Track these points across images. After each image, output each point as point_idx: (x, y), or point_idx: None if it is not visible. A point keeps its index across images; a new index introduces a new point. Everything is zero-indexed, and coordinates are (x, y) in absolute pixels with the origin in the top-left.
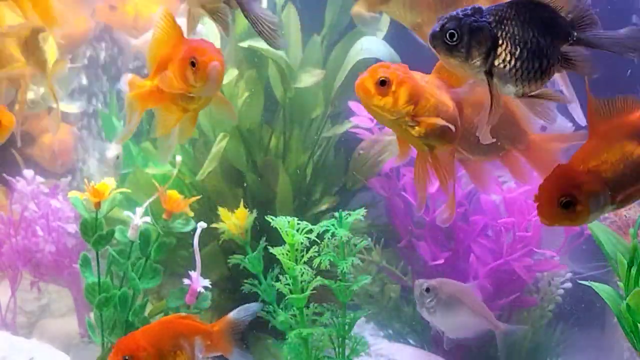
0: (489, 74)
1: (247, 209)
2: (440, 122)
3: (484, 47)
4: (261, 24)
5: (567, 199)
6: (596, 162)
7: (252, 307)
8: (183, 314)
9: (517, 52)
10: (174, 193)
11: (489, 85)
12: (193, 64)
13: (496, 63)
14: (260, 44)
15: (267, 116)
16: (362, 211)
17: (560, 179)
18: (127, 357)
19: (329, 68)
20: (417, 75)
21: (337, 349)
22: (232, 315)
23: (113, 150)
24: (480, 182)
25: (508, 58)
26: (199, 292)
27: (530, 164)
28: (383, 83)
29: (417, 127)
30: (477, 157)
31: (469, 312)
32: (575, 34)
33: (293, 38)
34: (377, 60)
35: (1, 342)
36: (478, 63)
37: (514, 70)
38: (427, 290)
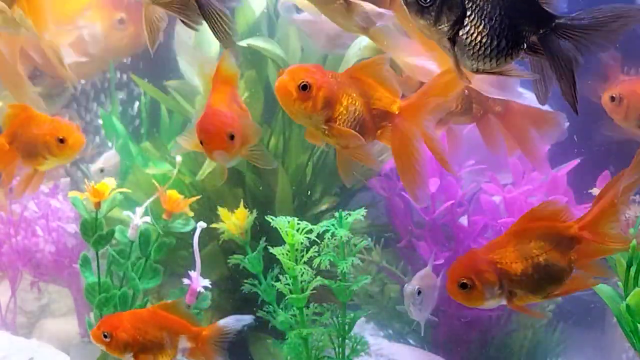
0: (452, 42)
1: (247, 209)
2: (350, 133)
3: (453, 15)
4: (215, 20)
5: (463, 280)
6: (501, 256)
7: (245, 319)
8: (169, 301)
9: (481, 27)
10: (173, 193)
11: (453, 52)
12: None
13: (460, 33)
14: (259, 43)
15: (267, 116)
16: (362, 211)
17: (464, 262)
18: (106, 333)
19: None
20: (331, 78)
21: (337, 349)
22: (221, 322)
23: (99, 163)
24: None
25: (471, 31)
26: (199, 292)
27: (504, 130)
28: (305, 88)
29: (330, 133)
30: (455, 120)
31: (434, 290)
32: (547, 31)
33: (292, 38)
34: None
35: (1, 342)
36: (444, 29)
37: (473, 44)
38: (419, 292)
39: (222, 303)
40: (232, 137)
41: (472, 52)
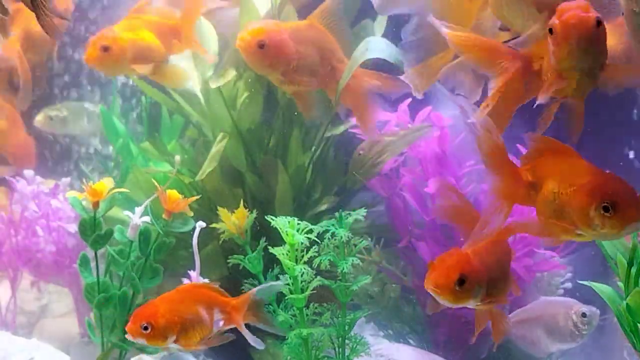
0: None
1: (247, 209)
2: None
3: None
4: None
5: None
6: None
7: (275, 285)
8: (200, 282)
9: None
10: (173, 193)
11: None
12: None
13: None
14: None
15: (267, 116)
16: (363, 211)
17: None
18: (145, 325)
19: None
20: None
21: (337, 349)
22: (253, 292)
23: None
24: (306, 110)
25: None
26: None
27: (347, 92)
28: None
29: None
30: (302, 88)
31: None
32: None
33: None
34: (383, 60)
35: (1, 342)
36: None
37: None
38: (584, 315)
39: None
40: None
41: None
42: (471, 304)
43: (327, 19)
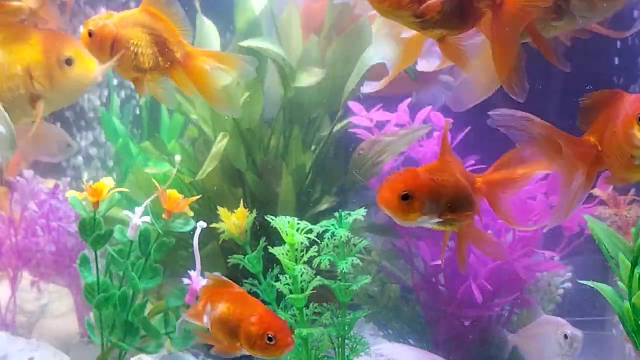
0: None
1: (247, 209)
2: None
3: None
4: None
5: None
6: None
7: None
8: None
9: None
10: (174, 193)
11: None
12: None
13: None
14: (259, 43)
15: (267, 116)
16: (362, 211)
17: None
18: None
19: (327, 68)
20: None
21: (337, 349)
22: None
23: None
24: (160, 97)
25: None
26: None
27: (190, 76)
28: None
29: None
30: (151, 75)
31: None
32: None
33: (294, 37)
34: None
35: (1, 342)
36: None
37: None
38: (565, 337)
39: None
40: None
41: None
42: (426, 221)
43: (160, 5)
